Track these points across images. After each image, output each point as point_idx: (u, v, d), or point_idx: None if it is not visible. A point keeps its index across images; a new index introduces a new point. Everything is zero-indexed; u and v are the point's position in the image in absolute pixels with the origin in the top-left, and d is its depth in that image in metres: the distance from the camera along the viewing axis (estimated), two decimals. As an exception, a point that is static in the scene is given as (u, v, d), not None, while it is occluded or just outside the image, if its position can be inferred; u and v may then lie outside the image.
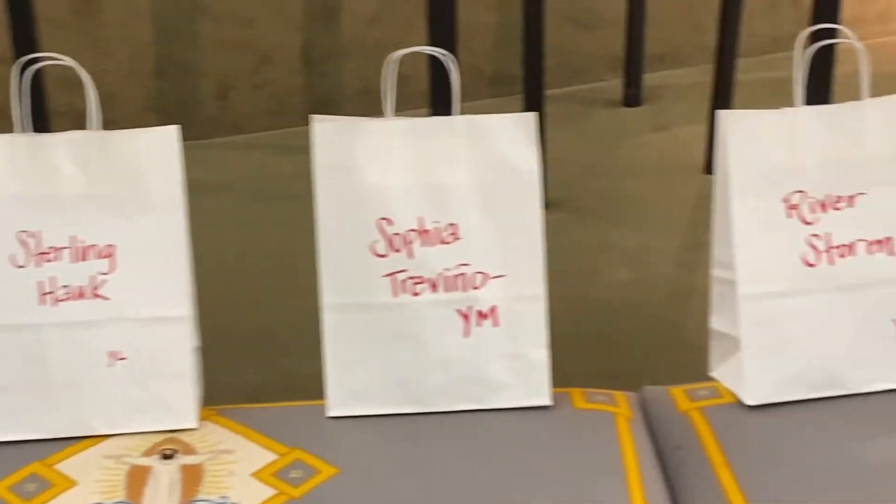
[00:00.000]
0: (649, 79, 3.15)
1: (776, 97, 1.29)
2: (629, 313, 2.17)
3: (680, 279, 2.24)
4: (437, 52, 1.25)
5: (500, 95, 3.03)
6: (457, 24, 2.24)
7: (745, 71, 2.85)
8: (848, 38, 1.26)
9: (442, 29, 1.98)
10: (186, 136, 1.22)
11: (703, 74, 2.79)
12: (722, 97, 2.68)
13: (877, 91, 1.29)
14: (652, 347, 2.05)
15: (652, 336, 2.08)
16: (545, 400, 1.26)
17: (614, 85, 3.15)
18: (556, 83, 3.13)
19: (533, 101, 2.48)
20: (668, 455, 1.22)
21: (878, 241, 1.27)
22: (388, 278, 1.24)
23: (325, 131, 1.24)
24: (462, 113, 1.25)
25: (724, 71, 2.69)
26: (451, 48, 1.34)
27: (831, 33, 1.28)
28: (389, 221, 1.23)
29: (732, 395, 1.28)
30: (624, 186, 2.68)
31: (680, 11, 3.26)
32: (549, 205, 2.57)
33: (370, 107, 1.29)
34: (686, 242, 2.39)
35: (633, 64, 3.08)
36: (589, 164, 2.80)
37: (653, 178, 2.69)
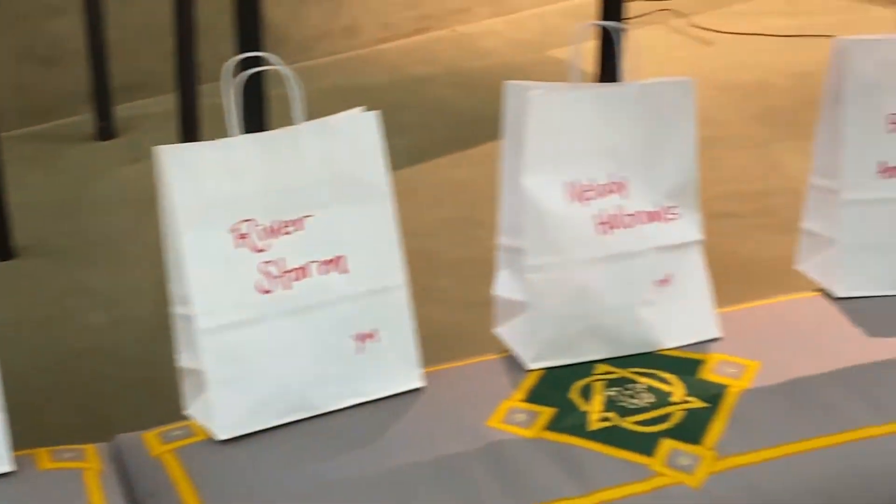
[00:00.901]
0: (122, 110, 3.08)
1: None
2: (107, 357, 2.10)
3: (158, 317, 2.19)
4: None
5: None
6: None
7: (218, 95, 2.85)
8: (273, 64, 1.27)
9: None
10: None
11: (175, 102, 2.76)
12: (189, 125, 2.67)
13: (348, 103, 1.32)
14: (133, 391, 2.00)
15: (132, 379, 2.02)
16: (5, 466, 1.19)
17: (86, 119, 3.06)
18: (21, 123, 3.01)
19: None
20: (144, 504, 1.19)
21: (329, 261, 1.30)
22: None
23: None
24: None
25: (187, 98, 2.68)
26: None
27: (257, 61, 1.29)
28: None
29: (206, 431, 1.27)
30: (98, 224, 2.60)
31: (145, 40, 3.21)
32: (17, 252, 2.46)
33: None
34: (165, 278, 2.35)
35: (101, 96, 3.01)
36: (61, 204, 2.69)
37: (129, 213, 2.63)
